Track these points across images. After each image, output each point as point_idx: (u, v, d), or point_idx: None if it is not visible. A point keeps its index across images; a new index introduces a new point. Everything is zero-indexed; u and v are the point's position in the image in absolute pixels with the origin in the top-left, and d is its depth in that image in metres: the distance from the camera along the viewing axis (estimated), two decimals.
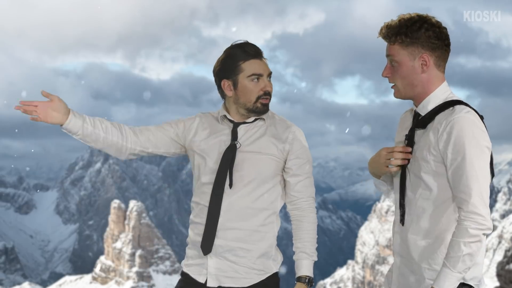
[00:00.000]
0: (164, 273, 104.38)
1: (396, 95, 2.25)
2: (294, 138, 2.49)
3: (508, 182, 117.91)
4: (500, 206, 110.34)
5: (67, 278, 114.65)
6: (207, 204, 2.45)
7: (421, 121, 2.19)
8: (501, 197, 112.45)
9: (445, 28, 2.21)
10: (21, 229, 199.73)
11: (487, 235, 2.04)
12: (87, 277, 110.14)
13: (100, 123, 2.52)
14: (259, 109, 2.42)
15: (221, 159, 2.42)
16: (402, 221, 2.21)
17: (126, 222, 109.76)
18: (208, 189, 2.49)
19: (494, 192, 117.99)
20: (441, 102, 2.18)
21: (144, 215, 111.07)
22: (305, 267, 2.48)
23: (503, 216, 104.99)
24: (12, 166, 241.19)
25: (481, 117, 2.14)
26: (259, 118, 2.45)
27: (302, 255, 2.49)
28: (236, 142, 2.42)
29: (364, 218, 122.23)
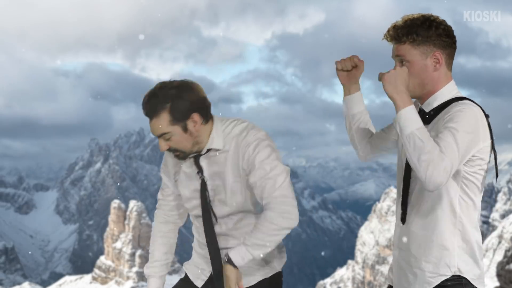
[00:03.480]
0: None
1: None
2: (248, 156, 2.30)
3: (508, 182, 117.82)
4: (500, 206, 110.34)
5: (67, 278, 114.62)
6: (203, 235, 2.49)
7: (425, 118, 2.19)
8: (501, 197, 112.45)
9: (451, 27, 2.21)
10: (21, 229, 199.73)
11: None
12: (87, 277, 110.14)
13: (165, 254, 2.63)
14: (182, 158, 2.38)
15: (201, 198, 2.40)
16: (403, 218, 2.23)
17: (126, 222, 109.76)
18: (199, 223, 2.52)
19: (494, 192, 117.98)
20: (447, 99, 2.19)
21: (144, 215, 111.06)
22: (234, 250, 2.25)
23: (503, 216, 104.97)
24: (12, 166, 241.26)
25: (487, 116, 2.14)
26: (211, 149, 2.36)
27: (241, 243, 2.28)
28: (203, 177, 2.37)
29: (364, 218, 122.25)
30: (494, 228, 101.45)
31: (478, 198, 2.18)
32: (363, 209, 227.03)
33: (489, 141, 2.14)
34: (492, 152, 2.20)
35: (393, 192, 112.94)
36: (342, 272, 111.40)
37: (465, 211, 2.15)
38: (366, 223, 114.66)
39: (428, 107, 2.21)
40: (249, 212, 2.39)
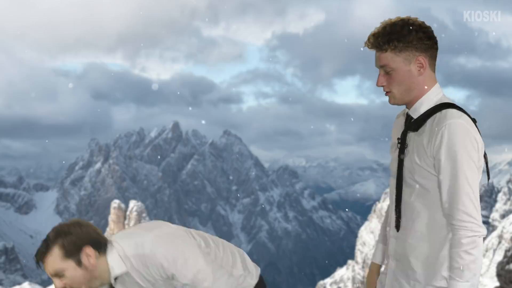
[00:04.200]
0: None
1: (391, 102, 2.22)
2: (154, 263, 2.24)
3: (508, 182, 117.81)
4: (500, 206, 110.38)
5: None
6: None
7: (413, 124, 2.17)
8: (501, 197, 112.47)
9: (430, 27, 2.17)
10: (21, 229, 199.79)
11: (484, 238, 2.05)
12: None
13: None
14: None
15: None
16: (397, 225, 2.21)
17: (126, 222, 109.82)
18: None
19: (494, 192, 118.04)
20: (433, 105, 2.15)
21: (144, 215, 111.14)
22: None
23: (503, 216, 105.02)
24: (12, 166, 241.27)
25: (474, 121, 2.12)
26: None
27: None
28: None
29: (364, 218, 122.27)
30: (494, 228, 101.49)
31: None
32: (363, 209, 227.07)
33: (483, 149, 2.13)
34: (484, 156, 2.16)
35: None
36: (342, 272, 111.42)
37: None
38: (366, 223, 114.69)
39: (415, 113, 2.18)
40: None
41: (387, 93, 2.21)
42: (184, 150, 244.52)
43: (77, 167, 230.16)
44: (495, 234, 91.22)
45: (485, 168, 2.18)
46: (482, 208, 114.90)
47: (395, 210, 2.21)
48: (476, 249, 2.02)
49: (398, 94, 2.18)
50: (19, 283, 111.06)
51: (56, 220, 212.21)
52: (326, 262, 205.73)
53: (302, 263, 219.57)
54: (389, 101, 2.22)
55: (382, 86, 2.20)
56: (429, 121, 2.12)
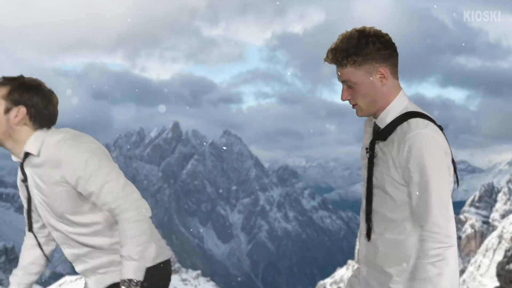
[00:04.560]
0: None
1: (359, 114, 2.21)
2: (66, 161, 2.19)
3: (508, 182, 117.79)
4: (500, 206, 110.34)
5: (67, 278, 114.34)
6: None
7: (381, 134, 2.17)
8: (501, 197, 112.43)
9: (387, 35, 2.16)
10: (21, 229, 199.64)
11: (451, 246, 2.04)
12: None
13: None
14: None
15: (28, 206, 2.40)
16: (368, 234, 2.21)
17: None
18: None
19: (494, 192, 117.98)
20: (398, 114, 2.15)
21: None
22: (125, 269, 2.17)
23: (503, 216, 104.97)
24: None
25: (441, 128, 2.14)
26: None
27: (123, 258, 2.19)
28: (27, 184, 2.31)
29: None
30: (494, 228, 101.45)
31: None
32: None
33: (451, 156, 2.13)
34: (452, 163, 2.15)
35: None
36: (342, 272, 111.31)
37: None
38: None
39: (382, 123, 2.18)
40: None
41: (353, 106, 2.20)
42: (184, 150, 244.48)
43: None
44: (495, 234, 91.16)
45: (454, 174, 2.16)
46: (482, 208, 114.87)
47: (366, 218, 2.21)
48: (443, 262, 2.02)
49: (365, 106, 2.17)
50: None
51: None
52: (326, 262, 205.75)
53: (302, 263, 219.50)
54: (357, 113, 2.21)
55: (347, 100, 2.19)
56: (396, 132, 2.13)
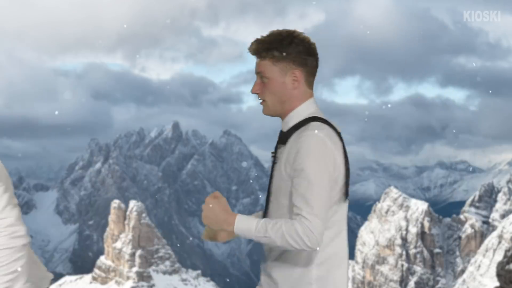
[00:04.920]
0: (164, 273, 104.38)
1: (265, 112, 2.22)
2: None
3: (508, 182, 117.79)
4: (500, 206, 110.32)
5: (67, 278, 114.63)
6: None
7: (282, 138, 2.18)
8: (501, 197, 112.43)
9: (314, 44, 2.18)
10: None
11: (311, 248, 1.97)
12: (87, 277, 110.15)
13: None
14: None
15: None
16: None
17: (126, 222, 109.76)
18: None
19: (494, 192, 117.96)
20: (302, 119, 2.15)
21: (144, 215, 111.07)
22: None
23: (503, 216, 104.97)
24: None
25: (338, 133, 2.15)
26: None
27: None
28: None
29: (364, 218, 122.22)
30: (494, 228, 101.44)
31: (333, 219, 2.14)
32: (363, 209, 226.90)
33: (343, 163, 2.12)
34: (345, 170, 2.14)
35: (393, 192, 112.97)
36: None
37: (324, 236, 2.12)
38: (366, 223, 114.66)
39: (285, 126, 2.19)
40: None
41: (262, 102, 2.21)
42: (184, 150, 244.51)
43: (77, 167, 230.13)
44: (495, 234, 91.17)
45: (345, 187, 2.15)
46: (482, 208, 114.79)
47: None
48: (290, 242, 1.98)
49: (271, 104, 2.18)
50: None
51: (56, 220, 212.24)
52: None
53: None
54: (263, 111, 2.22)
55: (257, 93, 2.20)
56: (293, 135, 2.13)
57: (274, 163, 2.21)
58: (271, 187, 2.19)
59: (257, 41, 2.18)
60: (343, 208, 2.17)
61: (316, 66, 2.19)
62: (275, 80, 2.15)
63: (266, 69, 2.15)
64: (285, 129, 2.19)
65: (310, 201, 1.98)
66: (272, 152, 2.25)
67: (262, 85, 2.18)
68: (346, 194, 2.15)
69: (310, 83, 2.19)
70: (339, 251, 2.15)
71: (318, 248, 1.98)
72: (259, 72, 2.18)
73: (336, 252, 2.14)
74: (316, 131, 2.06)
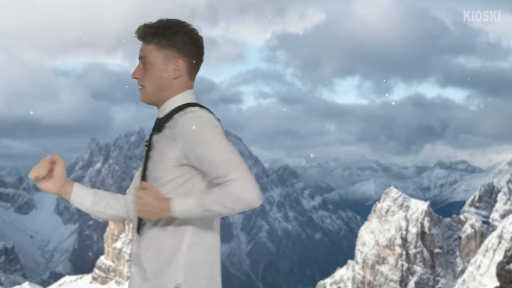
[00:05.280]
0: None
1: (142, 99, 2.19)
2: None
3: (508, 182, 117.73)
4: (500, 206, 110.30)
5: (67, 278, 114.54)
6: None
7: (157, 124, 2.15)
8: (501, 197, 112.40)
9: (202, 37, 2.18)
10: (21, 229, 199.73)
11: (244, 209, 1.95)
12: (87, 277, 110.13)
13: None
14: None
15: None
16: (138, 228, 2.16)
17: (126, 222, 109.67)
18: None
19: (494, 192, 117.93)
20: (179, 105, 2.13)
21: None
22: None
23: (503, 216, 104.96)
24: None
25: (218, 119, 2.11)
26: None
27: None
28: None
29: (364, 218, 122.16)
30: (494, 228, 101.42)
31: None
32: (363, 209, 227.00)
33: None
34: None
35: (393, 192, 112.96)
36: (342, 272, 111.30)
37: (191, 222, 2.09)
38: (366, 223, 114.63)
39: (161, 113, 2.16)
40: None
41: (140, 88, 2.18)
42: None
43: (77, 167, 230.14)
44: (495, 234, 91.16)
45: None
46: (482, 208, 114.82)
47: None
48: (230, 207, 1.95)
49: (150, 91, 2.15)
50: (19, 283, 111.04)
51: (56, 220, 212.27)
52: (326, 262, 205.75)
53: (302, 263, 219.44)
54: (141, 98, 2.18)
55: (137, 78, 2.17)
56: (171, 119, 2.10)
57: (148, 151, 2.15)
58: (146, 175, 2.14)
59: (145, 26, 2.14)
60: None
61: (200, 59, 2.18)
62: (158, 66, 2.12)
63: (150, 55, 2.13)
64: (161, 116, 2.16)
65: (228, 163, 1.95)
66: (146, 141, 2.19)
67: (143, 70, 2.15)
68: None
69: (192, 75, 2.18)
70: (210, 235, 2.13)
71: (260, 201, 1.95)
72: (142, 57, 2.15)
73: (205, 236, 2.12)
74: (197, 111, 2.05)
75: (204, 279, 2.09)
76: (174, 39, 2.10)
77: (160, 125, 2.13)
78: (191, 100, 2.16)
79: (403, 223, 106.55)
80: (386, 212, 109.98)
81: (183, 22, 2.14)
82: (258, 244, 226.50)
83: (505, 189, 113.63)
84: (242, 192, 1.92)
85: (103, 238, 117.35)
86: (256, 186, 1.95)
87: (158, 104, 2.18)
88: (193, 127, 2.00)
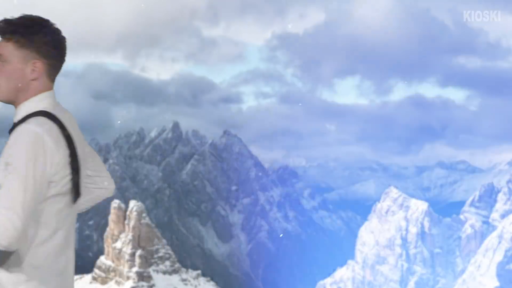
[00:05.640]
0: (164, 273, 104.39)
1: None
2: None
3: (508, 182, 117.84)
4: (500, 206, 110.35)
5: None
6: None
7: (12, 130, 2.06)
8: (501, 197, 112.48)
9: (65, 39, 2.09)
10: None
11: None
12: (87, 277, 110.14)
13: None
14: None
15: None
16: None
17: (126, 222, 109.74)
18: None
19: (494, 192, 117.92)
20: (32, 112, 2.05)
21: (144, 215, 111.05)
22: None
23: (503, 216, 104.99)
24: None
25: (63, 128, 2.00)
26: None
27: None
28: None
29: (364, 218, 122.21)
30: (494, 228, 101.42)
31: (47, 218, 1.94)
32: (363, 209, 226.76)
33: (67, 163, 1.98)
34: (73, 168, 2.01)
35: (393, 192, 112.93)
36: (342, 272, 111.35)
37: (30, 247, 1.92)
38: (366, 223, 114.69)
39: (15, 118, 2.12)
40: None
41: None
42: (184, 150, 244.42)
43: None
44: (495, 234, 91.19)
45: (74, 185, 2.01)
46: (482, 208, 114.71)
47: None
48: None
49: (6, 89, 2.08)
50: None
51: None
52: (326, 262, 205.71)
53: (302, 263, 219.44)
54: None
55: None
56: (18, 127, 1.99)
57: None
58: None
59: (5, 21, 2.08)
60: (69, 210, 2.02)
61: (61, 61, 2.10)
62: (15, 65, 2.02)
63: (7, 52, 2.02)
64: (15, 120, 2.10)
65: (11, 194, 1.78)
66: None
67: (0, 67, 2.05)
68: (76, 195, 2.03)
69: (51, 77, 2.09)
70: (55, 255, 1.96)
71: (14, 246, 1.74)
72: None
73: (50, 256, 1.94)
74: (33, 126, 1.93)
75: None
76: (34, 39, 2.02)
77: (11, 131, 2.06)
78: (45, 105, 2.05)
79: (403, 223, 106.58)
80: (386, 212, 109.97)
81: (47, 22, 2.08)
82: (258, 244, 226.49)
83: (505, 189, 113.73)
84: (2, 227, 1.72)
85: (103, 238, 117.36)
86: (17, 230, 1.73)
87: (14, 104, 2.14)
88: (11, 142, 1.90)
